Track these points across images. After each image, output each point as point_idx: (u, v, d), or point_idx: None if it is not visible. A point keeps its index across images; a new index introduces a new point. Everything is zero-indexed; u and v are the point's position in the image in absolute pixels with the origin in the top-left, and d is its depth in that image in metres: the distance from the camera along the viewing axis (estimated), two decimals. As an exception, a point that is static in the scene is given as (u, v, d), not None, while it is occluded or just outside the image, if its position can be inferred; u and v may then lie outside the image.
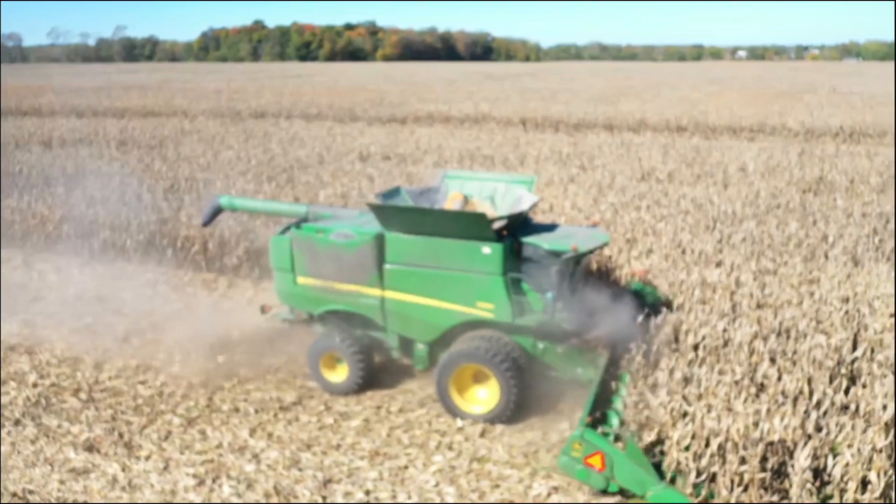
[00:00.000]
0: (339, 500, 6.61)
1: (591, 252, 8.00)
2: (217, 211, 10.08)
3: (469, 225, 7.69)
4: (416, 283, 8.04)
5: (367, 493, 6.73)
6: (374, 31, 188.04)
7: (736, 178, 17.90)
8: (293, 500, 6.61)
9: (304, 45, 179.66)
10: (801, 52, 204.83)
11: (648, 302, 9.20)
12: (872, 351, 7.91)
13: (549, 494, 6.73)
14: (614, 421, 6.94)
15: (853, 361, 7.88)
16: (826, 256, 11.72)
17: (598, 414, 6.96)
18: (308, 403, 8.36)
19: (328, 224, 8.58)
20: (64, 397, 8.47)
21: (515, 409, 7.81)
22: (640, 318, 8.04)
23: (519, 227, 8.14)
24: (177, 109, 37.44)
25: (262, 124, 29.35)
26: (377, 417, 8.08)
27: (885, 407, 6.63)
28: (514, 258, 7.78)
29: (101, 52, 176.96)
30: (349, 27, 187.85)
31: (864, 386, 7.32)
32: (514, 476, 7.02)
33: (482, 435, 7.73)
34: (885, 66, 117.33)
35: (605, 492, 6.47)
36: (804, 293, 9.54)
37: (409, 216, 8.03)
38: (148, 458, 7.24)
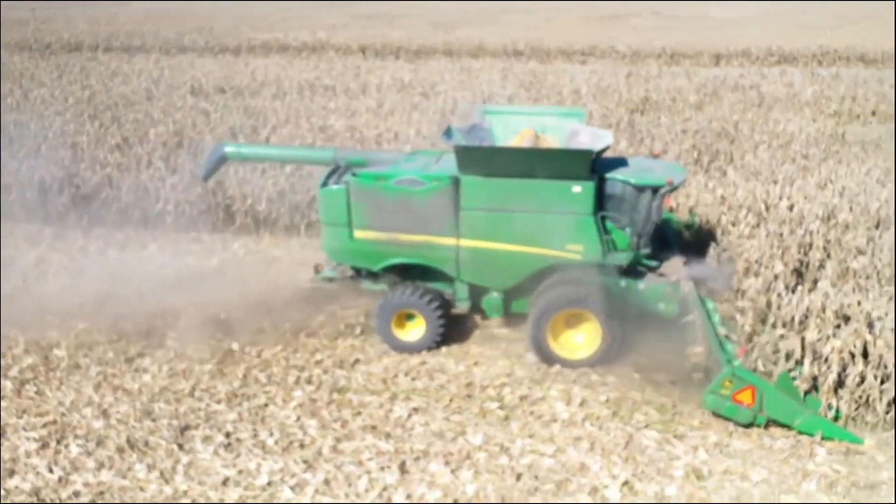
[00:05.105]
0: (198, 446, 6.49)
1: (679, 186, 7.81)
2: (220, 162, 8.93)
3: (569, 163, 7.28)
4: (498, 228, 7.54)
5: (228, 435, 6.65)
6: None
7: (571, 100, 18.59)
8: (149, 452, 6.42)
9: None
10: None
11: (683, 226, 9.43)
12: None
13: (409, 416, 6.97)
14: (730, 353, 6.91)
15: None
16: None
17: None
18: (155, 353, 8.02)
19: (385, 169, 7.86)
20: None
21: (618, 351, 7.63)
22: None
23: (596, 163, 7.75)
24: (-28, 43, 33.24)
25: (77, 58, 26.74)
26: (232, 359, 7.93)
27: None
28: (599, 195, 7.49)
29: None
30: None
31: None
32: (374, 402, 7.18)
33: (340, 366, 7.81)
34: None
35: (750, 425, 6.62)
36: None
37: (499, 157, 7.45)
38: (-20, 426, 6.72)
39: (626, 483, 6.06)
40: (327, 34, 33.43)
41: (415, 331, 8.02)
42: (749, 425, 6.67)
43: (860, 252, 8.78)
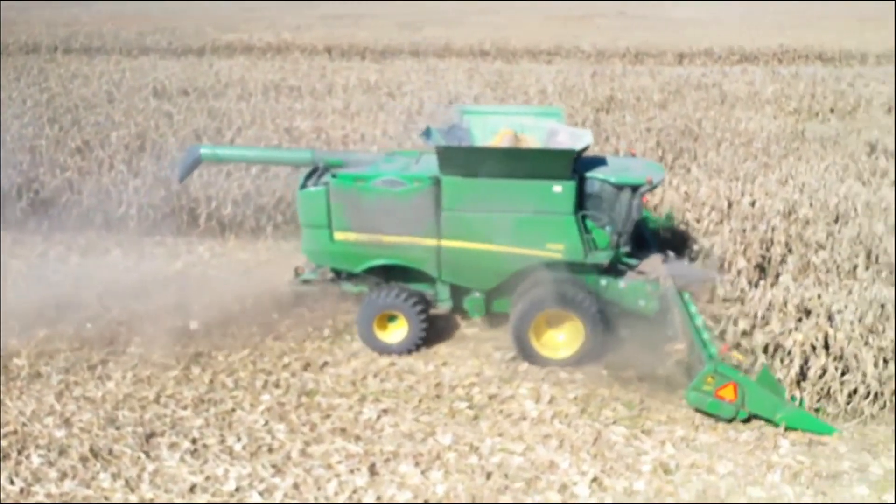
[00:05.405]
0: (164, 453, 6.39)
1: (658, 184, 7.84)
2: (196, 163, 8.72)
3: (551, 163, 7.29)
4: (479, 228, 7.51)
5: (194, 441, 6.56)
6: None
7: (537, 99, 18.71)
8: (114, 460, 6.30)
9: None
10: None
11: (659, 226, 9.47)
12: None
13: (378, 418, 6.94)
14: (713, 349, 6.97)
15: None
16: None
17: None
18: (118, 359, 7.87)
19: (365, 171, 7.81)
20: None
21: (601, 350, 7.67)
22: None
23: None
24: (-75, 45, 32.34)
25: (35, 60, 26.22)
26: (198, 365, 7.81)
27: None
28: (579, 194, 7.52)
29: None
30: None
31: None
32: (343, 404, 7.14)
33: (308, 369, 7.75)
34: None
35: (731, 420, 6.68)
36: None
37: (481, 158, 7.42)
38: (-64, 439, 6.54)
39: (595, 479, 6.11)
40: (292, 35, 33.22)
41: (397, 332, 7.98)
42: (730, 420, 6.75)
43: (820, 246, 8.98)
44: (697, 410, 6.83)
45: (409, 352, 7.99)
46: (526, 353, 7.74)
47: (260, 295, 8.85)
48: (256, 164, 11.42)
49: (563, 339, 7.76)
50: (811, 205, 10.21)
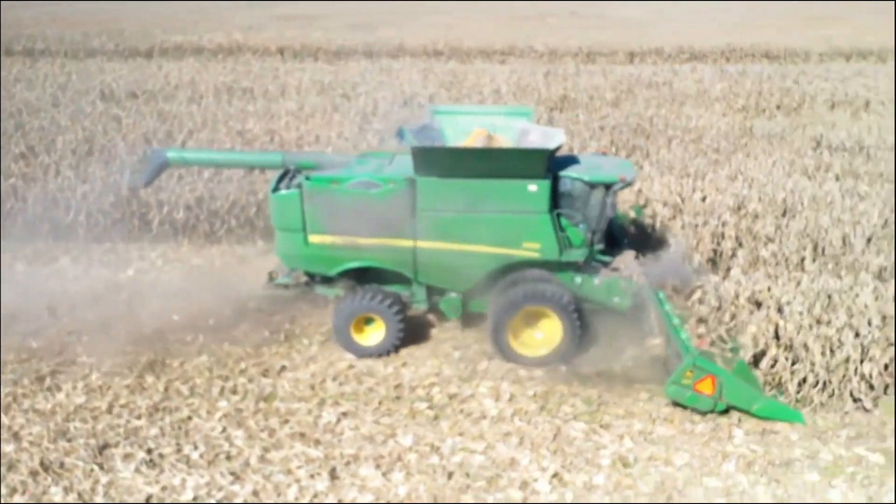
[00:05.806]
0: (119, 464, 6.24)
1: (631, 182, 7.87)
2: (162, 168, 8.45)
3: (525, 162, 7.29)
4: (455, 229, 7.49)
5: (150, 451, 6.43)
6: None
7: (492, 99, 18.78)
8: (65, 474, 6.13)
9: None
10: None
11: (623, 223, 9.50)
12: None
13: (338, 421, 6.89)
14: (688, 342, 7.03)
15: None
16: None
17: None
18: (69, 369, 7.67)
19: (338, 173, 7.72)
20: None
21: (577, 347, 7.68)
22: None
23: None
24: None
25: (-26, 63, 25.39)
26: (152, 373, 7.65)
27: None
28: (553, 193, 7.52)
29: None
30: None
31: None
32: (302, 409, 7.08)
33: (266, 374, 7.66)
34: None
35: (710, 412, 6.76)
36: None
37: (456, 158, 7.38)
38: None
39: (555, 475, 6.16)
40: (244, 35, 32.77)
41: (374, 335, 7.93)
42: (707, 412, 6.86)
43: (769, 240, 9.20)
44: (675, 404, 6.93)
45: (384, 355, 7.94)
46: (504, 352, 7.75)
47: (215, 300, 8.72)
48: (225, 168, 11.18)
49: (541, 338, 7.80)
50: (760, 199, 10.46)
